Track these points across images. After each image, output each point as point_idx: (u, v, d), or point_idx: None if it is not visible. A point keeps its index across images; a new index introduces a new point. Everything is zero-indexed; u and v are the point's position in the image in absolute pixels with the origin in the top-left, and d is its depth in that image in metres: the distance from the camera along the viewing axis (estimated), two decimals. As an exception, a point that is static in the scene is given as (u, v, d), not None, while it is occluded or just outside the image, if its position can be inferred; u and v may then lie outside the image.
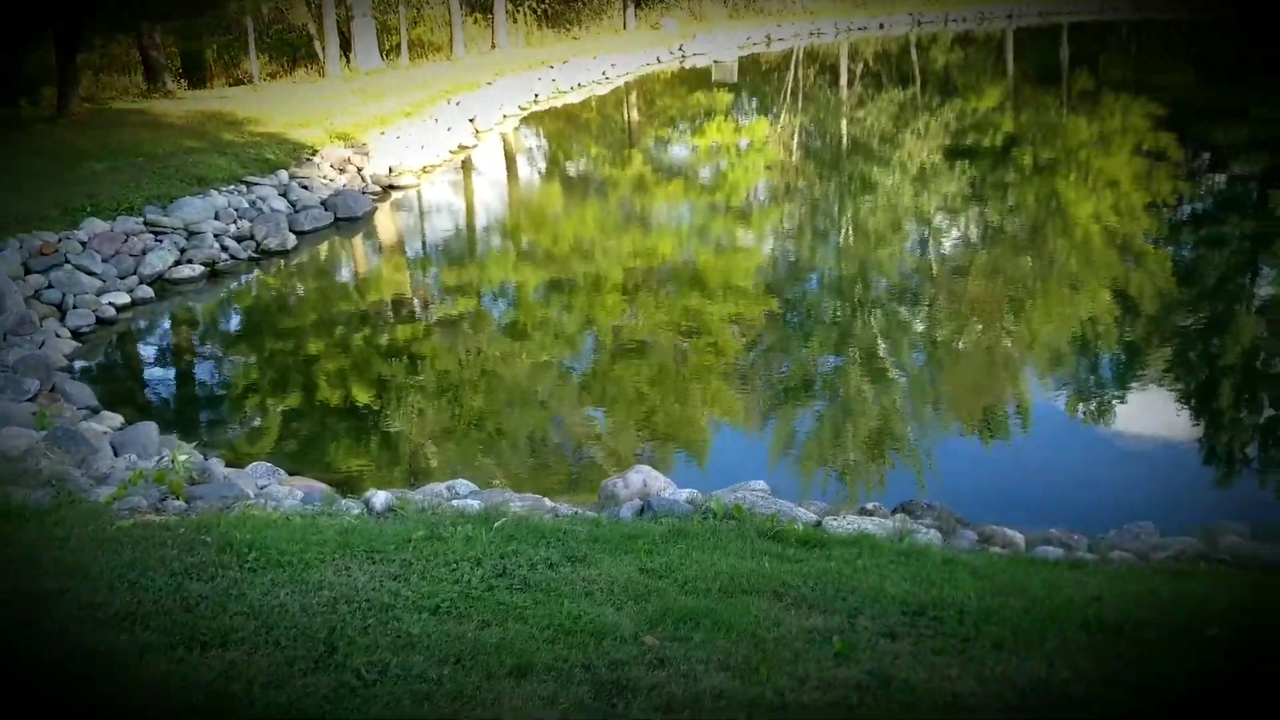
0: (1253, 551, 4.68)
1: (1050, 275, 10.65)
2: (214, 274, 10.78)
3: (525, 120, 20.38)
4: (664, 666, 3.26)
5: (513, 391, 8.22)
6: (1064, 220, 12.61)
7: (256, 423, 7.81)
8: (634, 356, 8.73)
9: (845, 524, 4.88)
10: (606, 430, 7.49)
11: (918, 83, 23.93)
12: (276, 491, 5.63)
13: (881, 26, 33.83)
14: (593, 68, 24.58)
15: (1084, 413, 7.59)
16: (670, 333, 9.18)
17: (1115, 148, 16.58)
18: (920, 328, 9.30)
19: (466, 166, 16.51)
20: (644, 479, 5.58)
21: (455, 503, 5.24)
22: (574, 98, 22.68)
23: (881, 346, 8.84)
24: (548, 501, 5.51)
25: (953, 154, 16.45)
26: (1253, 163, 15.30)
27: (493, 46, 25.98)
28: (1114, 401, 7.65)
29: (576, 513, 5.20)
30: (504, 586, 3.86)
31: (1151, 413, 7.44)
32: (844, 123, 20.03)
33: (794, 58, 29.19)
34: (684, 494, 5.38)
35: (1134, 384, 7.96)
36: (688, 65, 27.32)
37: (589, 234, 12.87)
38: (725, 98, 22.70)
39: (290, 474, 6.25)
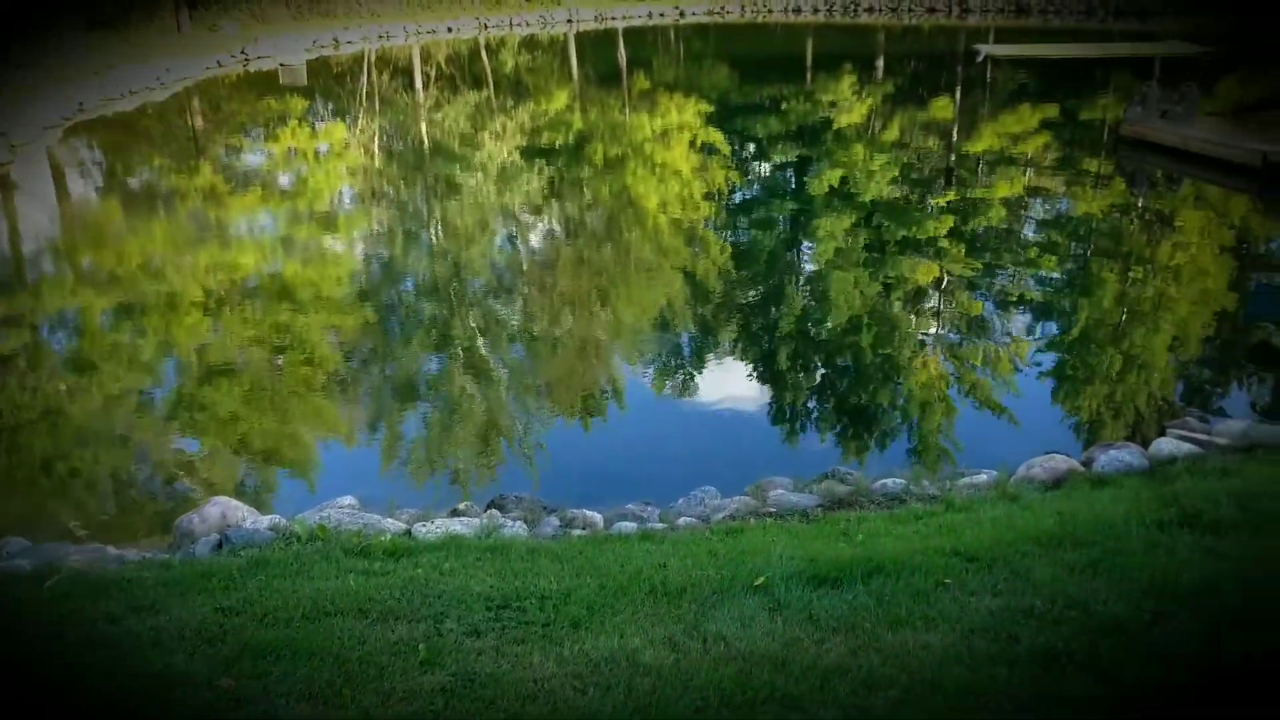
0: (793, 503, 5.33)
1: (628, 263, 11.43)
2: None
3: (71, 132, 18.47)
4: (242, 707, 3.16)
5: (82, 429, 7.49)
6: (635, 211, 13.54)
7: None
8: (221, 377, 8.28)
9: (434, 529, 4.96)
10: (194, 460, 7.05)
11: (491, 85, 24.51)
12: None
13: (450, 30, 34.21)
14: (146, 73, 22.74)
15: (667, 389, 8.25)
16: (260, 349, 8.80)
17: (674, 143, 18.03)
18: (514, 322, 9.63)
19: (4, 185, 14.70)
20: (222, 511, 5.28)
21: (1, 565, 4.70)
22: (126, 106, 20.87)
23: (479, 343, 9.05)
24: (112, 550, 5.06)
25: (530, 153, 17.08)
26: (788, 152, 17.30)
27: (22, 51, 23.20)
28: (693, 375, 8.40)
29: (146, 557, 4.82)
30: (57, 652, 3.54)
31: (723, 383, 8.26)
32: (423, 125, 20.09)
33: (366, 61, 28.77)
34: (266, 521, 5.16)
35: (709, 357, 8.77)
36: (252, 69, 26.06)
37: (159, 250, 11.96)
38: (298, 102, 21.93)
39: None
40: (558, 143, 18.14)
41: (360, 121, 20.31)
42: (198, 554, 4.77)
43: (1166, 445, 5.56)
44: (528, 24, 36.21)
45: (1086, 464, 5.62)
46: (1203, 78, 21.30)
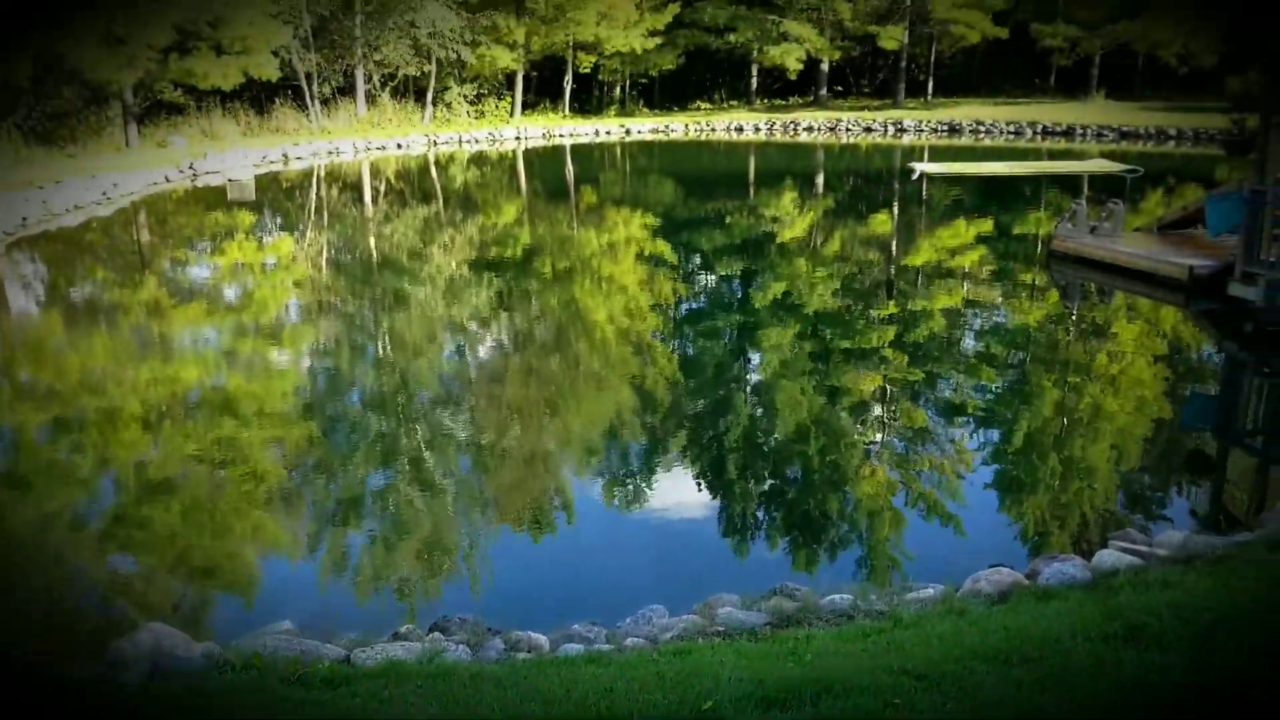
0: (741, 620, 5.28)
1: (576, 374, 11.48)
2: None
3: (14, 246, 18.32)
4: None
5: (12, 549, 7.24)
6: (583, 323, 13.65)
7: None
8: (161, 494, 8.09)
9: (375, 654, 4.82)
10: (130, 579, 6.84)
11: (440, 199, 24.81)
12: None
13: (400, 146, 34.73)
14: (92, 187, 22.73)
15: (616, 501, 8.20)
16: (201, 464, 8.64)
17: (621, 255, 18.30)
18: (461, 434, 9.56)
19: (-60, 299, 14.49)
20: (155, 637, 5.06)
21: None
22: (71, 220, 20.79)
23: (425, 456, 8.96)
24: (41, 673, 4.84)
25: (479, 266, 17.23)
26: (733, 265, 17.62)
27: (-35, 165, 23.15)
28: (642, 487, 8.37)
29: (74, 683, 4.58)
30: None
31: (672, 494, 8.24)
32: (372, 238, 20.21)
33: (315, 176, 29.03)
34: (199, 649, 4.98)
35: (658, 468, 8.76)
36: (200, 184, 26.17)
37: (100, 364, 11.78)
38: (246, 216, 22.00)
39: None
40: (506, 255, 18.32)
41: (308, 235, 20.39)
42: (129, 683, 4.58)
43: (1109, 557, 5.62)
44: (477, 141, 36.91)
45: (1031, 576, 5.65)
46: (1127, 194, 22.19)
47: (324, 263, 17.99)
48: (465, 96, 39.80)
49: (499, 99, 41.08)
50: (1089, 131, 35.81)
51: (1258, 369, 11.12)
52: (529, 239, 20.01)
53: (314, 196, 25.77)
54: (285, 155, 31.26)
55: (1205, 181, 23.80)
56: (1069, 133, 36.06)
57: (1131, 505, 7.89)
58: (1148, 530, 6.69)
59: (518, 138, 37.94)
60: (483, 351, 12.51)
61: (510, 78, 40.75)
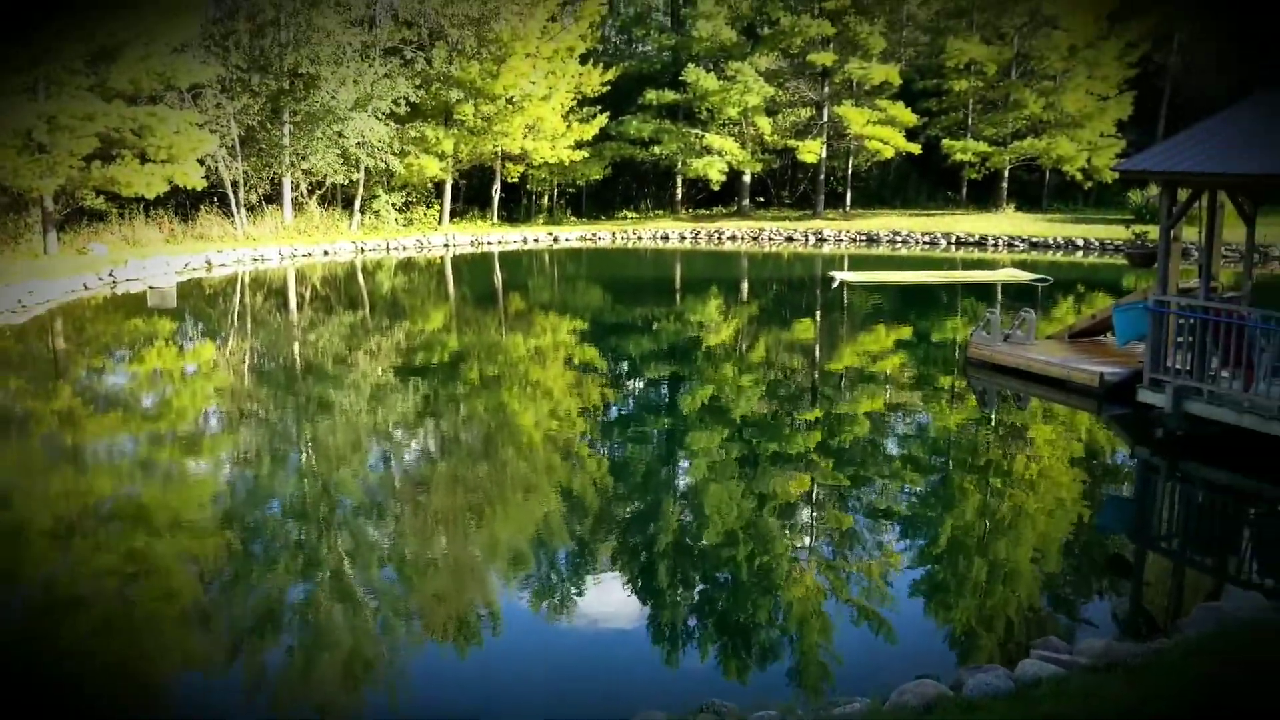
0: None
1: (504, 481, 11.37)
2: None
3: (-82, 352, 17.76)
4: None
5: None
6: (511, 429, 13.59)
7: None
8: (69, 610, 7.76)
9: None
10: (35, 702, 6.50)
11: (367, 305, 24.73)
12: None
13: (326, 253, 34.69)
14: (6, 295, 22.23)
15: (543, 611, 8.07)
16: (113, 579, 8.32)
17: (549, 361, 18.36)
18: (387, 544, 9.38)
19: None
20: None
21: None
22: (-18, 326, 20.27)
23: (348, 568, 8.75)
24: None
25: (405, 372, 17.12)
26: (660, 370, 17.77)
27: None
28: (569, 597, 8.25)
29: None
30: None
31: (601, 603, 8.14)
32: (296, 345, 20.00)
33: (240, 282, 28.79)
34: None
35: (586, 577, 8.66)
36: (120, 291, 25.75)
37: (6, 477, 11.37)
38: (166, 323, 21.65)
39: None
40: (433, 361, 18.25)
41: (230, 342, 20.11)
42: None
43: (1032, 666, 5.67)
44: (405, 248, 37.04)
45: (956, 688, 5.67)
46: (1039, 302, 22.99)
47: (246, 369, 17.72)
48: (393, 204, 40.03)
49: (427, 207, 41.39)
50: (1000, 241, 37.19)
51: (1169, 473, 11.46)
52: (456, 345, 19.99)
53: (237, 303, 25.50)
54: (209, 262, 31.00)
55: (1113, 290, 24.81)
56: (981, 243, 37.42)
57: (1054, 611, 7.99)
58: (1072, 636, 6.77)
59: (446, 245, 38.17)
60: (408, 459, 12.35)
61: (439, 186, 41.16)
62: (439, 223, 40.84)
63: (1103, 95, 41.87)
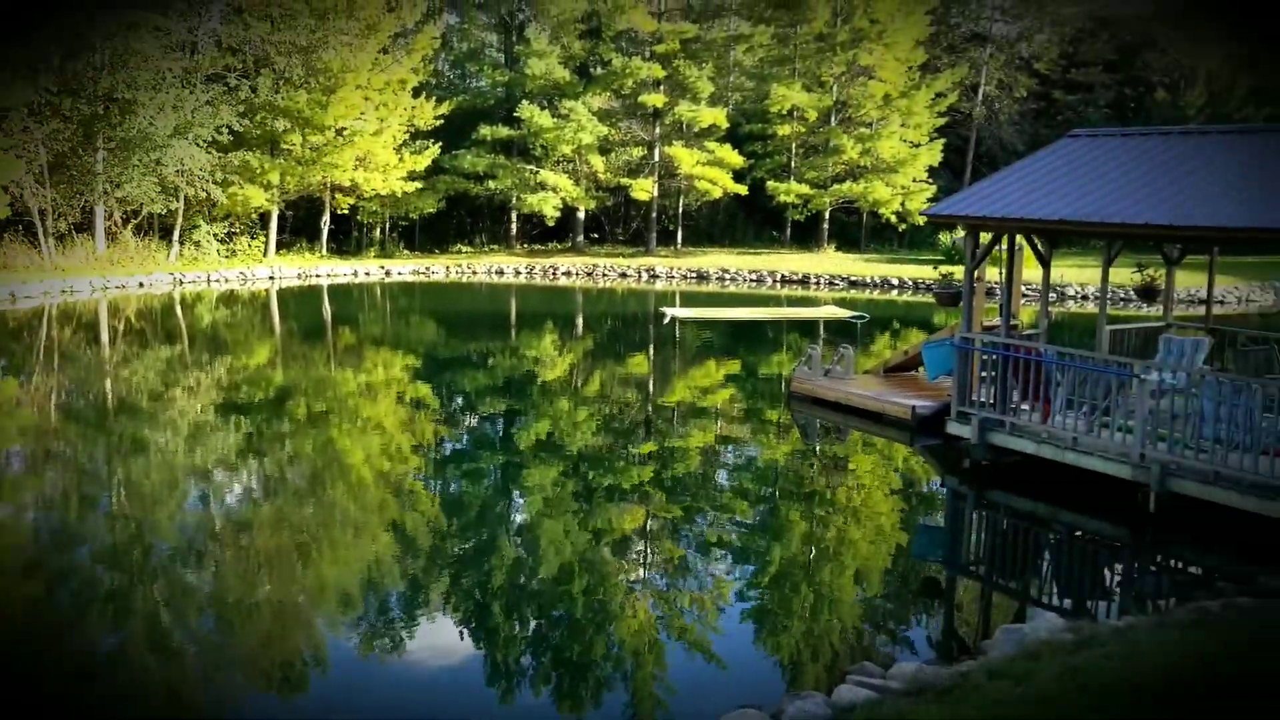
0: None
1: (333, 521, 11.11)
2: None
3: None
4: None
5: None
6: (340, 467, 13.28)
7: None
8: None
9: None
10: None
11: (185, 340, 23.71)
12: None
13: (142, 285, 33.11)
14: None
15: (376, 653, 7.92)
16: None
17: (380, 397, 18.03)
18: (207, 589, 9.01)
19: None
20: None
21: None
22: None
23: (164, 615, 8.37)
24: None
25: (227, 409, 16.50)
26: (495, 405, 17.72)
27: None
28: (402, 637, 8.13)
29: None
30: None
31: (434, 641, 8.06)
32: (109, 381, 18.99)
33: (46, 315, 27.13)
34: None
35: (419, 615, 8.55)
36: (-92, 322, 23.88)
37: None
38: (-40, 358, 20.19)
39: None
40: (258, 398, 17.65)
41: (34, 379, 18.93)
42: None
43: (847, 692, 5.89)
44: (228, 280, 35.72)
45: (776, 716, 5.85)
46: (858, 338, 24.09)
47: (52, 407, 16.71)
48: (215, 235, 38.58)
49: (252, 238, 40.08)
50: (822, 280, 38.75)
51: (977, 501, 12.18)
52: (282, 380, 19.39)
53: (44, 337, 24.02)
54: (13, 294, 29.13)
55: (926, 327, 26.21)
56: (805, 281, 38.89)
57: (875, 635, 8.37)
58: (891, 660, 7.11)
59: (272, 277, 37.01)
60: (230, 500, 11.89)
61: (264, 217, 39.93)
62: (264, 254, 39.59)
63: (915, 142, 44.34)
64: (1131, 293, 21.23)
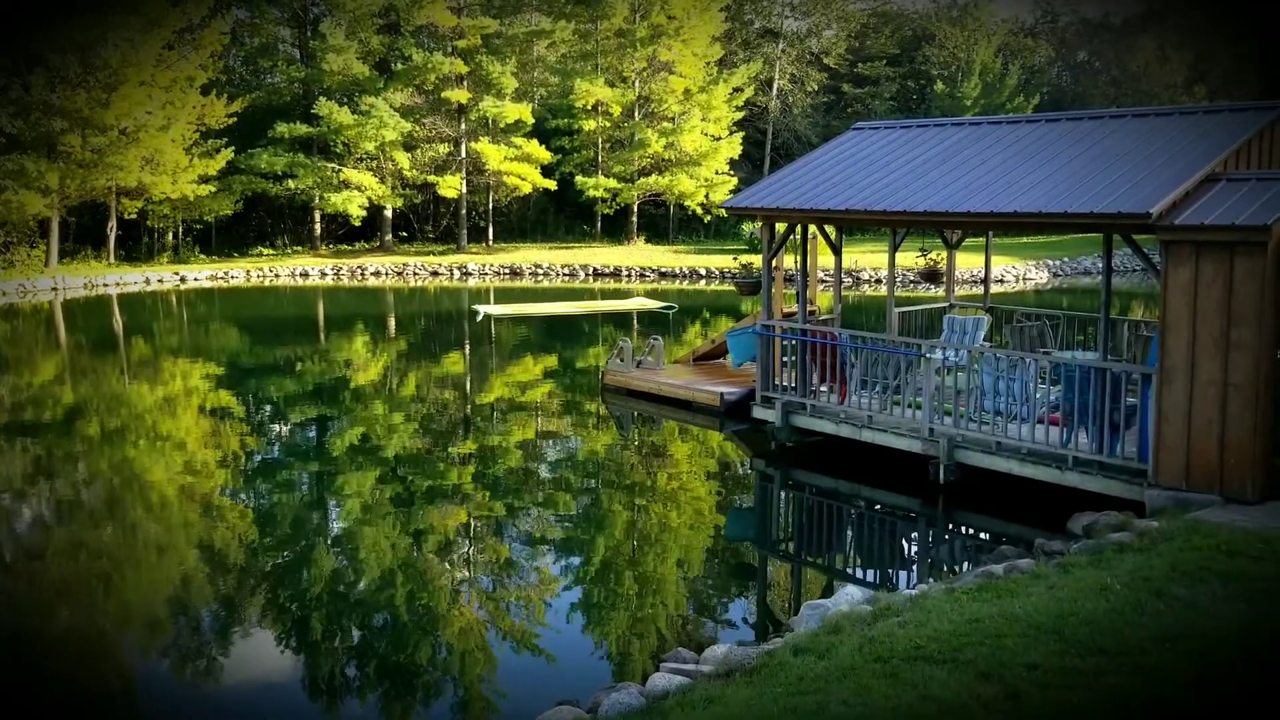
0: None
1: (134, 542, 10.61)
2: None
3: None
4: None
5: None
6: (140, 485, 12.68)
7: None
8: None
9: None
10: None
11: (-42, 359, 21.97)
12: None
13: (-97, 300, 30.44)
14: None
15: (189, 676, 7.66)
16: None
17: (180, 410, 17.26)
18: None
19: None
20: None
21: None
22: None
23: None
24: None
25: (10, 431, 15.44)
26: (306, 412, 17.24)
27: None
28: (217, 659, 7.89)
29: None
30: None
31: (253, 661, 7.86)
32: None
33: None
34: None
35: (234, 636, 8.30)
36: None
37: None
38: None
39: None
40: (44, 418, 16.59)
41: None
42: None
43: (661, 680, 5.98)
44: (4, 293, 33.25)
45: (593, 710, 5.93)
46: (670, 328, 24.67)
47: None
48: (-11, 245, 35.88)
49: (31, 247, 37.41)
50: (634, 272, 39.38)
51: (783, 482, 12.76)
52: (71, 398, 18.27)
53: None
54: None
55: (734, 314, 27.06)
56: (617, 274, 39.42)
57: (692, 621, 8.68)
58: (710, 642, 7.39)
59: (54, 289, 34.67)
60: (18, 527, 11.17)
61: (44, 224, 37.31)
62: (45, 264, 37.04)
63: (716, 136, 45.58)
64: (917, 276, 22.59)
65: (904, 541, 10.70)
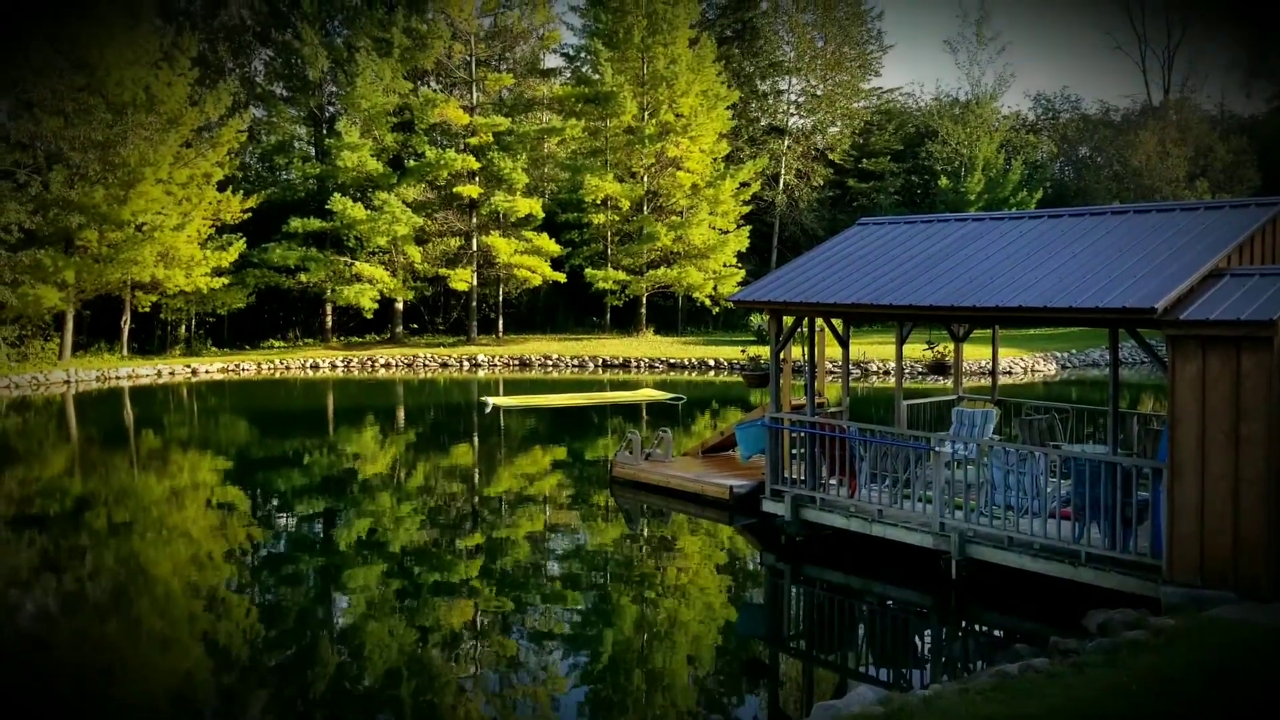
0: None
1: (139, 636, 10.52)
2: None
3: None
4: None
5: None
6: (145, 578, 12.61)
7: None
8: None
9: None
10: None
11: (-32, 451, 22.06)
12: None
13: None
14: None
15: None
16: None
17: (188, 502, 17.23)
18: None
19: None
20: None
21: None
22: None
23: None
24: None
25: (19, 523, 15.41)
26: (313, 505, 17.19)
27: None
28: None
29: None
30: None
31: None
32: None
33: None
34: None
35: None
36: None
37: None
38: None
39: None
40: (53, 510, 16.58)
41: None
42: None
43: None
44: (19, 386, 33.49)
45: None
46: (680, 420, 24.65)
47: None
48: (5, 338, 36.18)
49: (46, 340, 37.79)
50: (643, 363, 39.56)
51: (794, 577, 12.63)
52: (80, 490, 18.28)
53: None
54: None
55: (744, 405, 27.08)
56: (626, 365, 39.60)
57: (707, 716, 8.54)
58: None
59: (67, 382, 34.93)
60: (22, 620, 11.10)
61: (59, 317, 37.76)
62: (59, 357, 37.37)
63: (724, 229, 46.21)
64: (925, 368, 22.67)
65: (916, 638, 10.54)
